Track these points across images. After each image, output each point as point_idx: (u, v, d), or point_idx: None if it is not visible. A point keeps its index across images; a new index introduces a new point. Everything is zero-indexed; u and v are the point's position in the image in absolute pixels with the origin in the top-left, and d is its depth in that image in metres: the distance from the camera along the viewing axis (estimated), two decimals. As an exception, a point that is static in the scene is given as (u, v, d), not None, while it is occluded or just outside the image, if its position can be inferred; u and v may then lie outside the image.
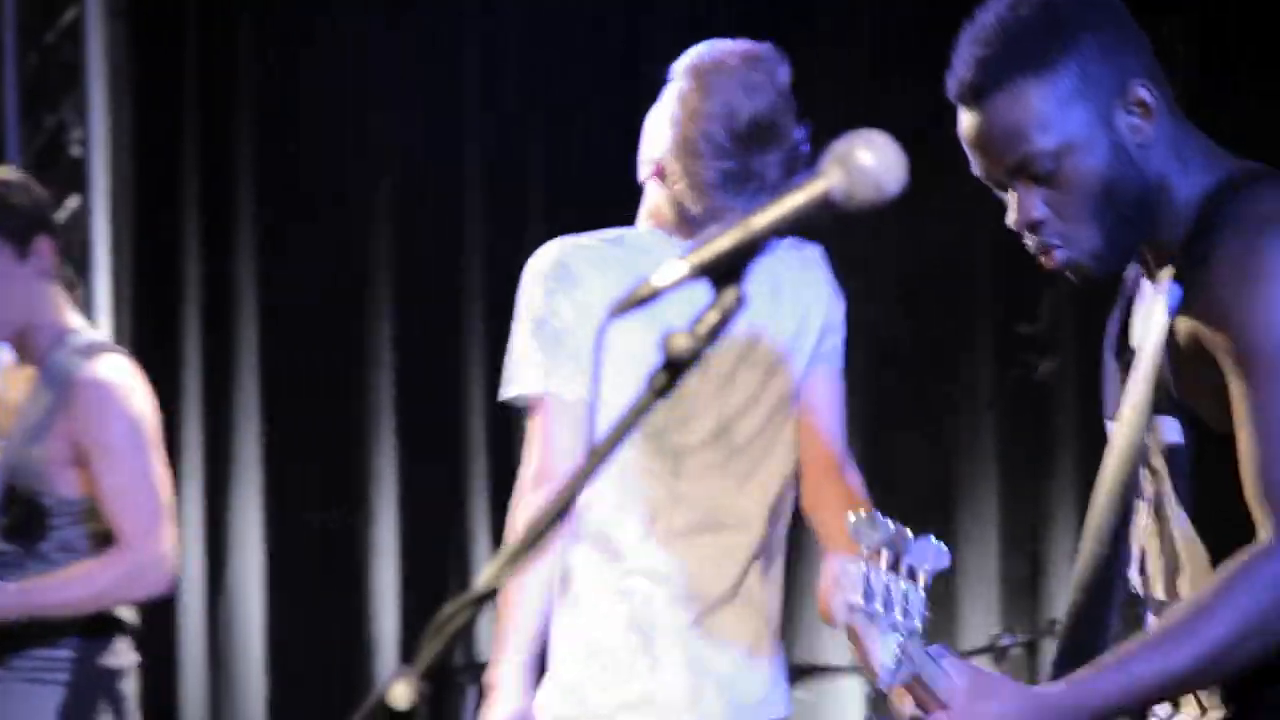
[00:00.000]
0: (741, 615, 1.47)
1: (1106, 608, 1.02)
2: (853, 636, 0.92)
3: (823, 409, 1.51)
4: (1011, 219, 1.01)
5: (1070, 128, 0.98)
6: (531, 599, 1.43)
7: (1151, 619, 1.03)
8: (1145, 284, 1.08)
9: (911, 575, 0.89)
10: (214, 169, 3.16)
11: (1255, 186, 0.99)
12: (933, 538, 0.92)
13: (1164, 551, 1.02)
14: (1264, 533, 0.93)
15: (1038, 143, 0.98)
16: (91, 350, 1.98)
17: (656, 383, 0.57)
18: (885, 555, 0.88)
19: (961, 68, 1.01)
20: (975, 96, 0.99)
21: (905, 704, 0.95)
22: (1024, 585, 2.87)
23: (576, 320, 1.43)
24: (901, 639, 0.88)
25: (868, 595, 0.87)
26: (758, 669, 1.48)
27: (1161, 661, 0.92)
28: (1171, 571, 1.01)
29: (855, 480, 1.51)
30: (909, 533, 0.91)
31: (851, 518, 0.90)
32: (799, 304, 1.51)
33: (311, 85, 3.12)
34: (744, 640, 1.47)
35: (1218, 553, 0.96)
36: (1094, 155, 0.98)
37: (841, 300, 1.56)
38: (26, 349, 1.97)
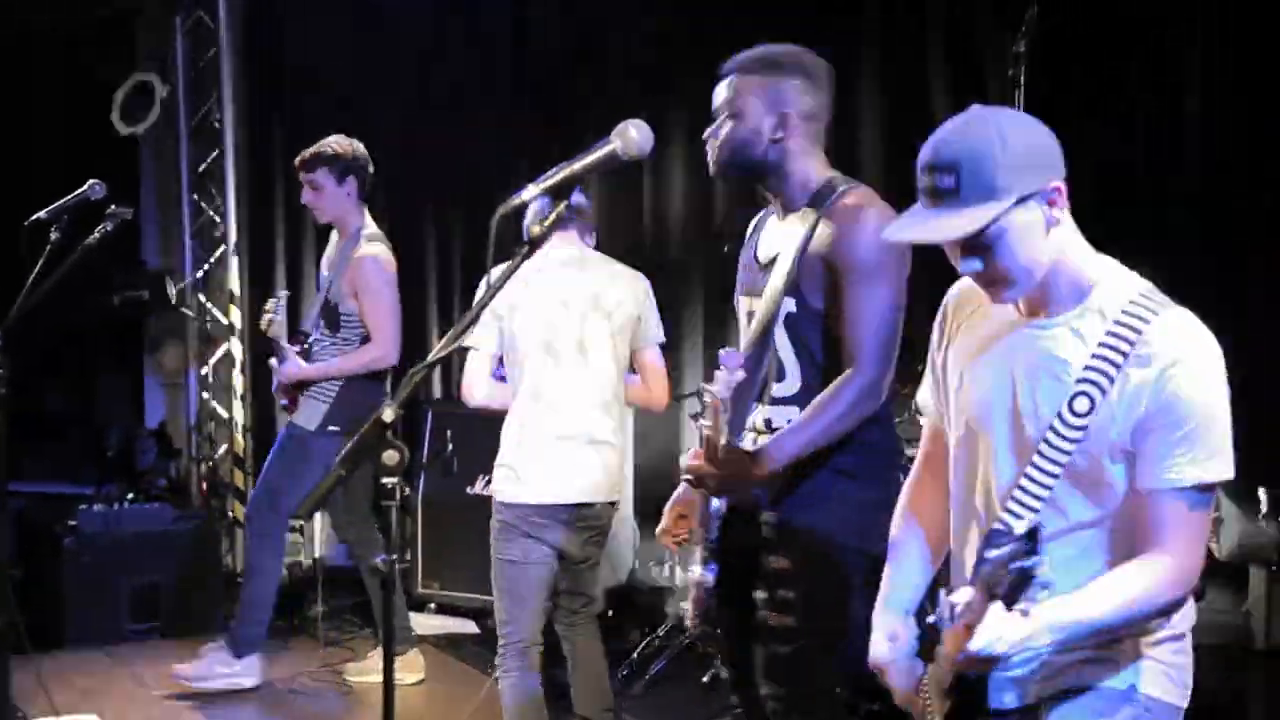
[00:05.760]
0: None
1: (755, 387, 2.94)
2: (715, 412, 2.79)
3: None
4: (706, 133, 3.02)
5: (740, 106, 2.95)
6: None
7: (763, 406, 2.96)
8: (770, 222, 3.05)
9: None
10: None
11: (848, 182, 2.92)
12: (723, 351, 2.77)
13: (774, 365, 2.92)
14: (850, 369, 2.80)
15: (724, 103, 3.00)
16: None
17: (522, 254, 2.26)
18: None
19: (739, 55, 3.04)
20: (728, 68, 3.05)
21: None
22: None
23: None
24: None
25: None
26: None
27: (805, 433, 2.83)
28: (776, 376, 2.93)
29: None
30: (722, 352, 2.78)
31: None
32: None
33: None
34: None
35: (811, 372, 2.90)
36: (743, 125, 2.94)
37: None
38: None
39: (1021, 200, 2.05)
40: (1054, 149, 2.11)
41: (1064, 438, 2.10)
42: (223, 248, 7.35)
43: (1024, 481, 2.14)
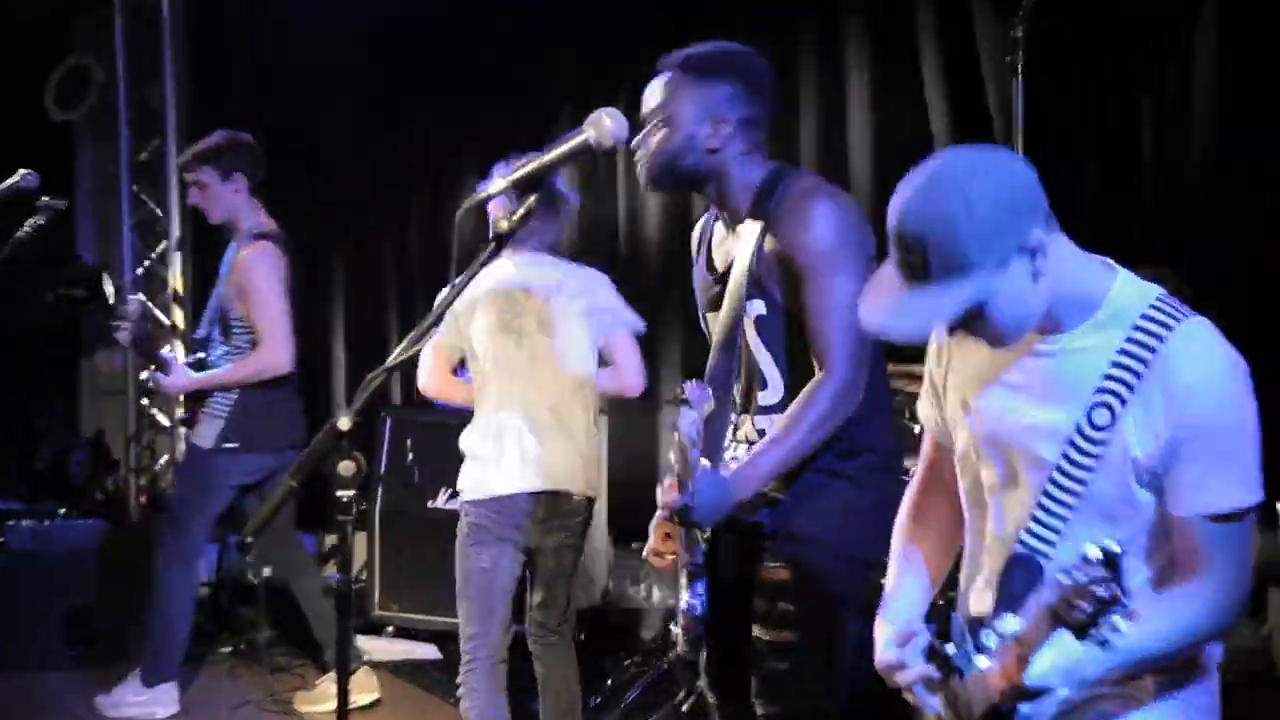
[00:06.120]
0: None
1: (727, 402, 2.94)
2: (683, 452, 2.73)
3: None
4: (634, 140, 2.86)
5: (673, 112, 2.93)
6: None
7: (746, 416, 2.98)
8: (717, 229, 3.05)
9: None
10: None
11: (792, 173, 2.92)
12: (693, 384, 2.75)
13: (748, 376, 2.94)
14: (818, 371, 2.79)
15: (656, 108, 2.96)
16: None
17: (488, 251, 2.28)
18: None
19: (674, 54, 3.00)
20: (661, 67, 3.00)
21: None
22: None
23: None
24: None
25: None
26: None
27: (781, 449, 2.81)
28: (751, 387, 2.95)
29: None
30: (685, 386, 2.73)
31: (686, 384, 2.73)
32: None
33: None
34: None
35: (793, 374, 2.88)
36: (676, 133, 2.91)
37: None
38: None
39: (1000, 264, 2.03)
40: (1028, 195, 2.07)
41: (1084, 452, 2.09)
42: (165, 243, 7.30)
43: (1044, 500, 2.13)
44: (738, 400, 3.04)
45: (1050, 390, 2.15)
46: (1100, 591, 1.80)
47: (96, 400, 7.46)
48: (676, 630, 3.08)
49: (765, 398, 2.98)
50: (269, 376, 4.82)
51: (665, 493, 2.91)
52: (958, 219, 2.00)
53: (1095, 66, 4.80)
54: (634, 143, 2.96)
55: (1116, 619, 1.81)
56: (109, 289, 6.83)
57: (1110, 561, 1.79)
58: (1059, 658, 1.95)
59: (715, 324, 3.06)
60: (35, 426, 6.98)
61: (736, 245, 2.99)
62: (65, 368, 7.40)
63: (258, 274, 4.78)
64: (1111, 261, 2.19)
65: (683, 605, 2.99)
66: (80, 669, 5.59)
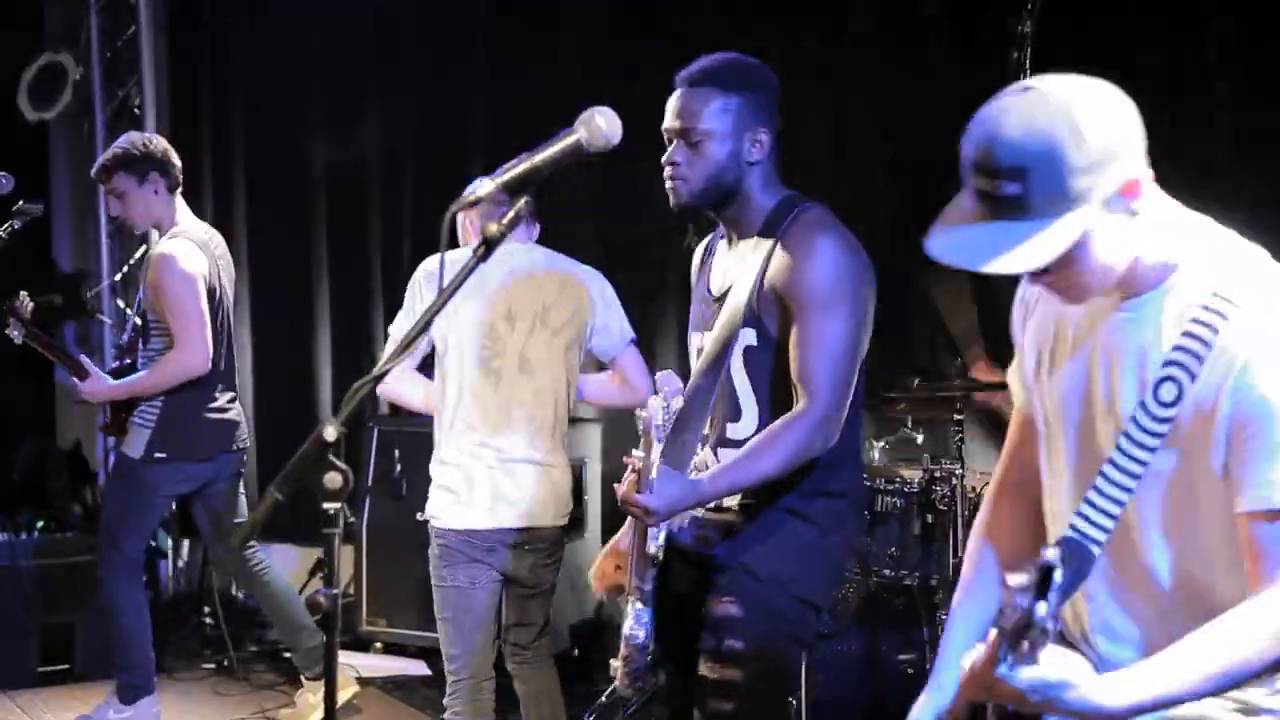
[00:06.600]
0: None
1: (699, 427, 2.95)
2: (649, 442, 2.77)
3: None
4: (665, 158, 2.91)
5: (718, 126, 2.89)
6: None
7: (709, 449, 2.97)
8: (720, 248, 3.06)
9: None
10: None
11: (803, 204, 2.92)
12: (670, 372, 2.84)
13: (728, 404, 2.93)
14: (800, 402, 2.80)
15: (698, 122, 2.88)
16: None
17: (476, 257, 2.09)
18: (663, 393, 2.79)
19: (695, 66, 2.92)
20: (688, 83, 2.91)
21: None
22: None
23: None
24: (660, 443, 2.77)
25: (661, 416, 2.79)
26: None
27: (741, 474, 2.80)
28: (731, 416, 2.94)
29: None
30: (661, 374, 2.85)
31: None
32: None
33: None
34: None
35: (771, 412, 2.86)
36: (722, 148, 2.89)
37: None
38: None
39: (1105, 199, 1.90)
40: (1134, 127, 1.94)
41: (1146, 431, 1.97)
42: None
43: (1100, 482, 2.00)
44: (707, 429, 3.02)
45: (1117, 356, 2.05)
46: (1021, 601, 1.69)
47: (73, 409, 7.43)
48: (615, 663, 3.04)
49: (735, 430, 2.96)
50: (187, 378, 4.73)
51: (625, 485, 2.86)
52: (1065, 148, 1.86)
53: (1104, 65, 4.82)
54: (667, 159, 2.96)
55: (1040, 639, 1.70)
56: (86, 295, 6.85)
57: (1045, 575, 1.67)
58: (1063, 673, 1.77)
59: (700, 344, 3.05)
60: (9, 435, 6.94)
61: (737, 267, 2.99)
62: (41, 376, 7.37)
63: (168, 272, 4.68)
64: (1205, 218, 2.06)
65: (625, 631, 2.98)
66: (57, 687, 5.56)
